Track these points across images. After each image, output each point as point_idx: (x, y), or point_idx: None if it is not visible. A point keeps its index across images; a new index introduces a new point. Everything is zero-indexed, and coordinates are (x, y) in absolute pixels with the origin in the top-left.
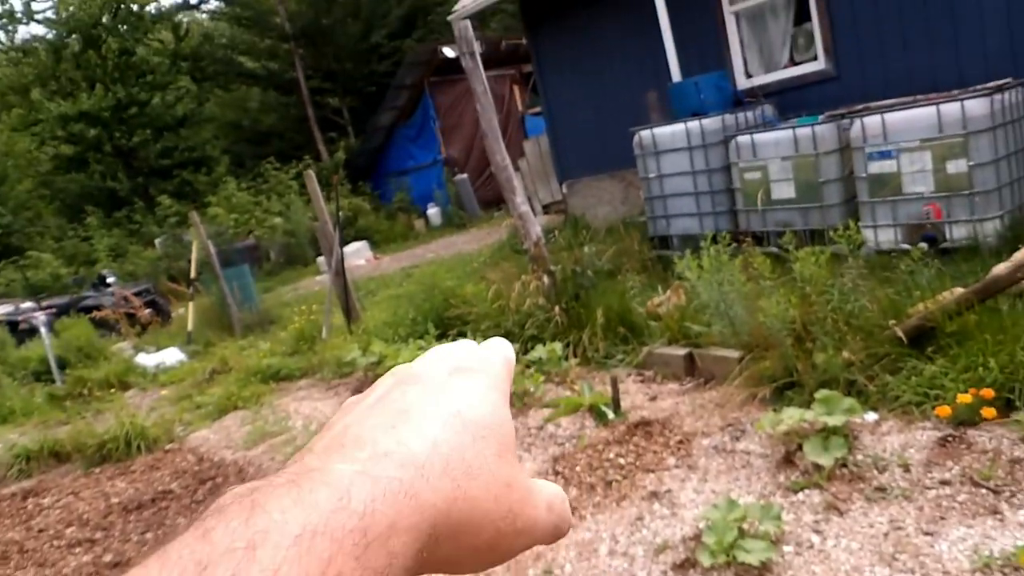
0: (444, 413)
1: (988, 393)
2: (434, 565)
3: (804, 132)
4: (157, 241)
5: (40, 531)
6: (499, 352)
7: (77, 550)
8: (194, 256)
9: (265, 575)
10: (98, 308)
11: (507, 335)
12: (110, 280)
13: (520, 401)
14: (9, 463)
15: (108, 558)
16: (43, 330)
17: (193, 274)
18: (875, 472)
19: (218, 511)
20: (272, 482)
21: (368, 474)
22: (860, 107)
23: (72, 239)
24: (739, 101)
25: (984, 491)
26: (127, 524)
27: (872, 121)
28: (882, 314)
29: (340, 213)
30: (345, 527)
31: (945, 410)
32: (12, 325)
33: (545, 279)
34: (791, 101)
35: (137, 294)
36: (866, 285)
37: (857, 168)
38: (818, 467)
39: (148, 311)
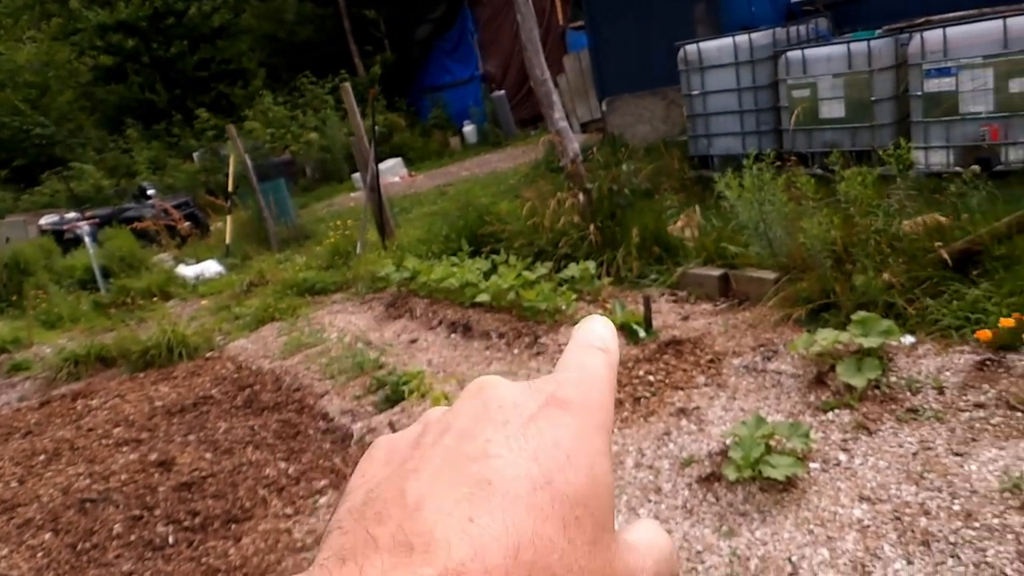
0: (532, 483)
1: None
2: None
3: (859, 47)
4: (195, 154)
5: (89, 430)
6: (607, 362)
7: (124, 448)
8: (231, 170)
9: None
10: (139, 219)
11: (540, 253)
12: (150, 192)
13: (551, 318)
14: (59, 366)
15: (153, 457)
16: (87, 240)
17: (231, 188)
18: (908, 394)
19: None
20: None
21: None
22: (921, 20)
23: (113, 151)
24: (793, 14)
25: (1020, 414)
26: (170, 426)
27: (932, 36)
28: (927, 237)
29: (376, 129)
30: None
31: (986, 334)
32: (58, 234)
33: (581, 197)
34: (848, 15)
35: (176, 207)
36: (913, 207)
37: (912, 86)
38: (850, 388)
39: (187, 224)
